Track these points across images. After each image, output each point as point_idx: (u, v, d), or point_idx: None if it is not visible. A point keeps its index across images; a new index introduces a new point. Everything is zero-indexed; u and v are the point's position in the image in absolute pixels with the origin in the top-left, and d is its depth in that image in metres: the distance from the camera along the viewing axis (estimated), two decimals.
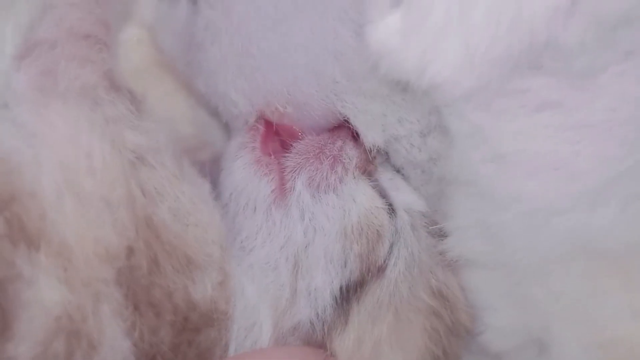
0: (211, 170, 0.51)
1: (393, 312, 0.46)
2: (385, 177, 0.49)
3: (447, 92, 0.40)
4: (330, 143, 0.49)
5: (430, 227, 0.48)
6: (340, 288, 0.45)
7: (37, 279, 0.38)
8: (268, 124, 0.50)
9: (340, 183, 0.47)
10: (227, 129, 0.54)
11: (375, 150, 0.48)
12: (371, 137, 0.48)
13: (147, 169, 0.43)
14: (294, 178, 0.48)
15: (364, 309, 0.46)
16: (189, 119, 0.56)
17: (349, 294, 0.46)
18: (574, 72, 0.38)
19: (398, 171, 0.50)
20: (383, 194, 0.48)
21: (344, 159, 0.48)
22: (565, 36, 0.37)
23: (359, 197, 0.47)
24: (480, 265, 0.44)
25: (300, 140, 0.49)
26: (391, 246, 0.47)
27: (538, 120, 0.39)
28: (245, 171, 0.49)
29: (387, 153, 0.49)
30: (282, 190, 0.48)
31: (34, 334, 0.37)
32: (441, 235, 0.47)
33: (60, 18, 0.45)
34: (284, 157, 0.49)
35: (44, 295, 0.38)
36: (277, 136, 0.50)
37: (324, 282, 0.45)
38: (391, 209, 0.48)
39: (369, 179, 0.49)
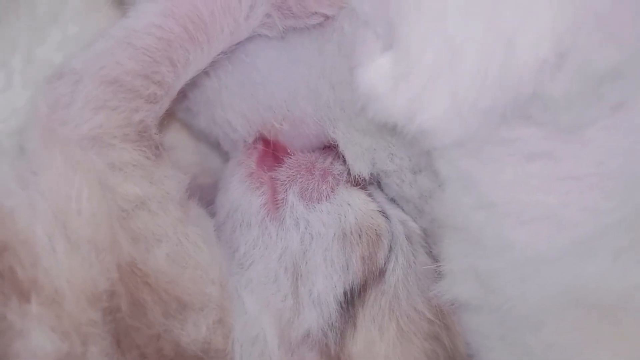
0: (210, 193, 0.52)
1: (395, 323, 0.46)
2: (379, 195, 0.50)
3: (436, 139, 0.40)
4: (321, 158, 0.49)
5: (425, 267, 0.47)
6: (345, 293, 0.45)
7: (28, 330, 0.38)
8: (264, 143, 0.51)
9: (332, 192, 0.48)
10: (227, 158, 0.54)
11: (362, 180, 0.49)
12: (357, 167, 0.48)
13: (147, 214, 0.44)
14: (286, 190, 0.48)
15: (368, 314, 0.46)
16: (192, 148, 0.57)
17: (353, 299, 0.46)
18: (561, 124, 0.37)
19: (393, 200, 0.50)
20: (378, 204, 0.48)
21: (335, 171, 0.49)
22: (552, 89, 0.36)
23: (354, 201, 0.48)
24: (474, 309, 0.44)
25: (292, 156, 0.50)
26: (390, 249, 0.47)
27: (527, 169, 0.39)
28: (239, 187, 0.49)
29: (379, 183, 0.50)
30: (275, 202, 0.48)
31: None
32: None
33: (98, 54, 0.44)
34: (276, 170, 0.49)
35: (36, 345, 0.38)
36: (271, 155, 0.50)
37: (326, 287, 0.45)
38: (386, 217, 0.48)
39: (363, 191, 0.49)
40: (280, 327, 0.46)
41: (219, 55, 0.46)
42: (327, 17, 0.46)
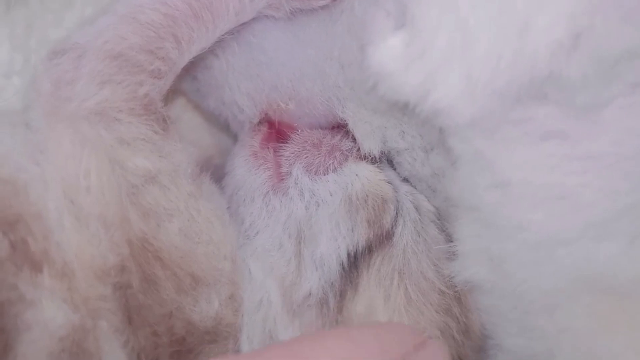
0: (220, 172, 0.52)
1: (404, 291, 0.46)
2: (390, 172, 0.49)
3: (449, 119, 0.40)
4: (329, 135, 0.49)
5: (437, 246, 0.47)
6: (348, 254, 0.45)
7: (39, 301, 0.38)
8: (270, 125, 0.51)
9: (339, 166, 0.48)
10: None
11: (372, 159, 0.48)
12: (367, 145, 0.48)
13: (158, 189, 0.43)
14: (290, 164, 0.48)
15: (374, 278, 0.45)
16: (207, 129, 0.57)
17: (357, 261, 0.45)
18: (578, 104, 0.37)
19: (406, 180, 0.49)
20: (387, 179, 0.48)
21: (343, 147, 0.49)
22: (568, 70, 0.36)
23: (362, 172, 0.47)
24: (487, 291, 0.44)
25: (299, 134, 0.50)
26: (397, 213, 0.47)
27: (543, 149, 0.39)
28: (243, 166, 0.50)
29: (391, 163, 0.49)
30: (279, 175, 0.48)
31: (36, 356, 0.38)
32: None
33: (102, 29, 0.43)
34: (281, 147, 0.49)
35: (47, 317, 0.38)
36: (275, 136, 0.50)
37: (329, 248, 0.45)
38: (395, 189, 0.48)
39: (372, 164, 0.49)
40: (283, 289, 0.46)
41: (226, 35, 0.46)
42: None
